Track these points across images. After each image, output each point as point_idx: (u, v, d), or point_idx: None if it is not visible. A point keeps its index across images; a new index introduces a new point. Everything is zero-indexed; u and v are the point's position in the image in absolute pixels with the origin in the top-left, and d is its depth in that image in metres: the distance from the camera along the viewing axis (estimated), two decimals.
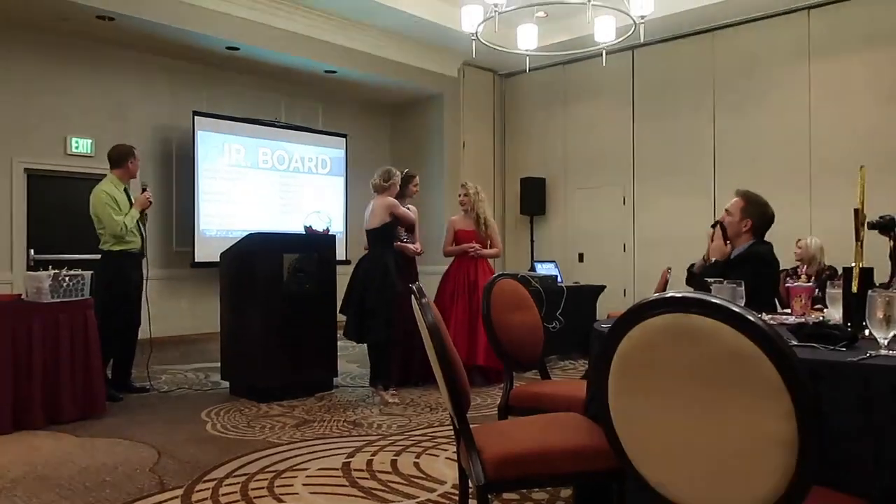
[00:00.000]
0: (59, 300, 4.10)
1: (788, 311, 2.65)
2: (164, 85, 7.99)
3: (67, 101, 7.20)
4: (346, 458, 3.42)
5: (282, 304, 4.75)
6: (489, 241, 5.51)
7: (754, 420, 1.20)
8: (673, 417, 1.31)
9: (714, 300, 1.24)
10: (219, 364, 5.22)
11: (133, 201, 4.92)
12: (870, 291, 1.75)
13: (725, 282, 2.23)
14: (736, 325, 1.19)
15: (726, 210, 3.21)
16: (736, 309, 1.21)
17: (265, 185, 8.67)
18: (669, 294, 1.29)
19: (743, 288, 2.25)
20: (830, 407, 1.47)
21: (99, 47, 7.34)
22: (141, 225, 4.92)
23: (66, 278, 4.15)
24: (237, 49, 7.64)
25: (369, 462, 3.36)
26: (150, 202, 4.98)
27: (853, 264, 2.06)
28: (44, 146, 7.04)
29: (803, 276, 5.23)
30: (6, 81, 6.80)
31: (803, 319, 2.29)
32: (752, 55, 7.63)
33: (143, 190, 5.00)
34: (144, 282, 4.87)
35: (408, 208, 5.24)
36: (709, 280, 2.36)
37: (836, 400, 1.50)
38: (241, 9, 7.19)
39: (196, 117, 7.93)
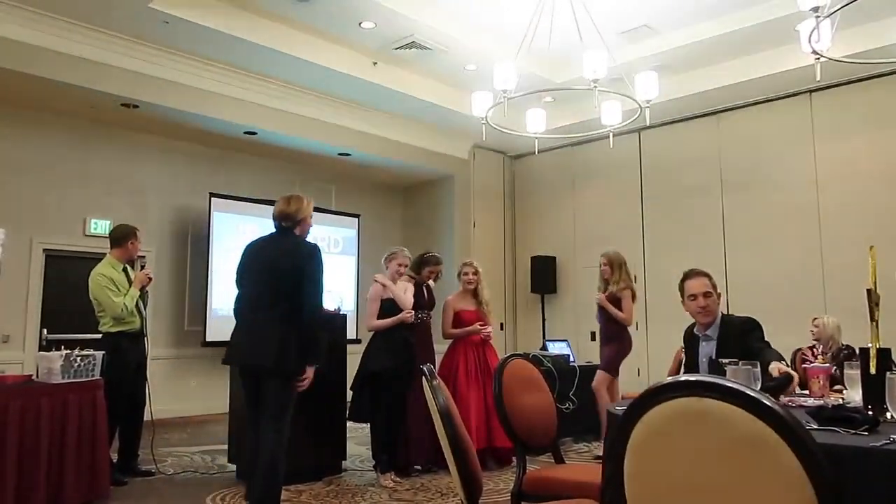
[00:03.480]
0: (69, 381, 4.07)
1: (807, 392, 2.60)
2: (183, 168, 8.21)
3: (88, 183, 7.39)
4: None
5: None
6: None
7: None
8: None
9: (729, 384, 1.21)
10: (226, 446, 5.12)
11: (132, 280, 4.88)
12: (888, 374, 1.72)
13: (741, 363, 2.19)
14: (752, 411, 1.16)
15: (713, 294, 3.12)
16: (751, 393, 1.18)
17: None
18: (683, 378, 1.27)
19: (759, 369, 2.21)
20: (853, 495, 1.42)
21: (121, 132, 7.60)
22: (141, 303, 4.85)
23: (78, 359, 4.13)
24: (255, 133, 7.89)
25: None
26: (150, 279, 4.96)
27: (869, 345, 2.03)
28: (63, 227, 7.18)
29: (820, 357, 5.14)
30: (30, 163, 7.00)
31: (822, 402, 2.24)
32: (758, 136, 7.78)
33: (142, 267, 5.02)
34: (146, 361, 4.82)
35: (419, 282, 5.19)
36: (723, 361, 2.32)
37: (858, 487, 1.45)
38: (259, 95, 7.48)
39: (212, 198, 8.11)
